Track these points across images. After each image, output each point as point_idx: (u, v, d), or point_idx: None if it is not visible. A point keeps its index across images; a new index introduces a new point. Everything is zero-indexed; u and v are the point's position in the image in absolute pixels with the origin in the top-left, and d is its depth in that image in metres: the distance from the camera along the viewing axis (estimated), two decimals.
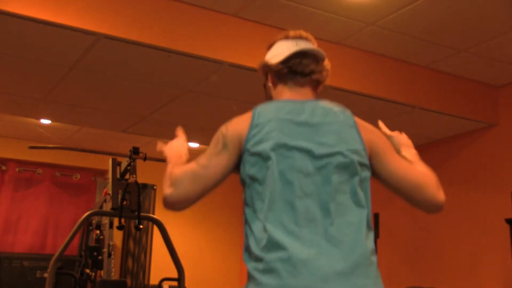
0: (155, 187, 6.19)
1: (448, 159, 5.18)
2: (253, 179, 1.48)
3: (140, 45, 3.46)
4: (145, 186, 5.71)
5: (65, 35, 3.35)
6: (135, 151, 3.91)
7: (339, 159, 1.49)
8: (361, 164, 1.52)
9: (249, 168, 1.49)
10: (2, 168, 6.72)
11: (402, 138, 1.79)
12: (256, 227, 1.45)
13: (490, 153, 4.81)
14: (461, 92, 4.63)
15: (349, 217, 1.45)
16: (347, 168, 1.49)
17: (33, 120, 5.69)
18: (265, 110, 1.56)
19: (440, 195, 1.58)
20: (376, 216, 4.90)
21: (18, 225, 6.67)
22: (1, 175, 6.73)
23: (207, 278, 7.09)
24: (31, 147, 4.79)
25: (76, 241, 5.01)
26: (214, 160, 1.51)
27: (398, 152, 1.70)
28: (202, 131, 5.31)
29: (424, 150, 5.45)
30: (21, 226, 6.68)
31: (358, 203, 1.48)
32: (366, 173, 1.54)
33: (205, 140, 6.06)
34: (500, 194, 4.56)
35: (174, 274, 3.92)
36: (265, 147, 1.48)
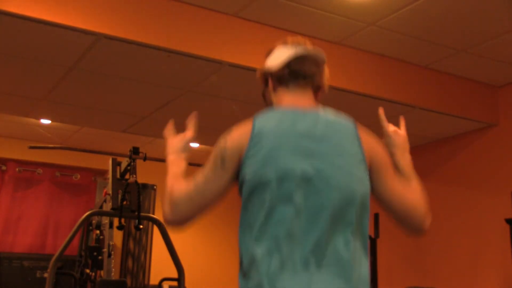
0: (155, 187, 6.18)
1: (448, 159, 5.18)
2: (250, 191, 1.47)
3: (140, 45, 3.46)
4: (145, 186, 5.70)
5: (65, 35, 3.35)
6: (135, 151, 3.91)
7: (340, 174, 1.47)
8: (361, 179, 1.51)
9: (247, 180, 1.47)
10: (2, 168, 6.72)
11: (399, 139, 1.75)
12: (247, 243, 1.44)
13: (490, 153, 4.81)
14: (461, 92, 4.63)
15: (342, 239, 1.43)
16: (347, 187, 1.47)
17: (33, 120, 5.69)
18: (265, 121, 1.53)
19: (426, 223, 1.59)
20: (376, 216, 4.90)
21: (18, 225, 6.67)
22: (1, 175, 6.73)
23: (207, 278, 7.09)
24: (31, 147, 4.79)
25: (76, 241, 5.01)
26: (211, 180, 1.50)
27: (392, 155, 1.68)
28: (202, 131, 5.30)
29: (424, 150, 5.47)
30: (21, 226, 6.68)
31: (350, 224, 1.46)
32: (366, 190, 1.52)
33: (205, 140, 6.06)
34: (500, 194, 4.56)
35: (174, 274, 3.92)
36: (264, 163, 1.45)
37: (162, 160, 1.71)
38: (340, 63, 4.09)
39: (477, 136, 4.93)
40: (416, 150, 5.53)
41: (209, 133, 5.76)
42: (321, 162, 1.47)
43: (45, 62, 3.83)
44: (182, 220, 1.53)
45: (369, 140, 1.57)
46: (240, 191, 1.51)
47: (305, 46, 1.65)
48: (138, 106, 4.69)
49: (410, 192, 1.60)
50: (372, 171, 1.55)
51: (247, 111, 5.00)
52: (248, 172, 1.47)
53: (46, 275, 3.99)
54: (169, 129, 1.80)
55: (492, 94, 4.79)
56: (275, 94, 1.66)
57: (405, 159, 1.70)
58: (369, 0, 3.49)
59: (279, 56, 1.65)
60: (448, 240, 5.03)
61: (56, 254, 3.64)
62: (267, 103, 1.71)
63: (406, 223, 1.58)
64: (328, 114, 1.58)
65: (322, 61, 1.66)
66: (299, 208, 1.42)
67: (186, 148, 1.75)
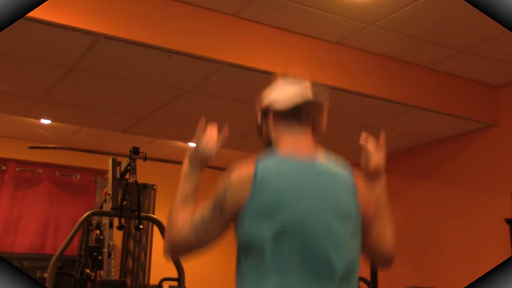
0: (155, 187, 6.18)
1: (448, 159, 5.18)
2: (249, 243, 1.50)
3: (140, 45, 3.46)
4: (145, 186, 5.70)
5: (65, 35, 3.35)
6: (135, 151, 3.92)
7: (340, 225, 1.53)
8: (356, 232, 1.59)
9: (246, 232, 1.51)
10: (2, 168, 6.73)
11: (378, 160, 1.77)
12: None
13: (490, 153, 4.81)
14: (461, 92, 4.64)
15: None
16: (349, 232, 1.55)
17: (33, 120, 5.69)
18: (266, 170, 1.53)
19: (394, 257, 1.79)
20: None
21: (18, 225, 6.67)
22: (1, 175, 6.73)
23: (207, 278, 7.09)
24: (31, 147, 4.79)
25: (76, 241, 5.01)
26: (209, 224, 1.56)
27: (373, 188, 1.74)
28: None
29: (424, 150, 5.47)
30: (21, 226, 6.68)
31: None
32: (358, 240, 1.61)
33: None
34: (500, 194, 4.56)
35: (174, 274, 3.93)
36: (262, 219, 1.48)
37: (162, 160, 1.72)
38: (340, 63, 4.09)
39: (477, 136, 4.93)
40: (416, 150, 5.54)
41: None
42: (320, 216, 1.51)
43: (45, 62, 3.83)
44: (179, 257, 1.70)
45: (363, 192, 1.63)
46: (237, 230, 1.54)
47: (307, 88, 1.67)
48: (138, 106, 4.69)
49: (387, 236, 1.75)
50: (362, 224, 1.62)
51: (247, 111, 5.00)
52: (247, 226, 1.50)
53: (46, 275, 3.99)
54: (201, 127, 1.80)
55: (492, 94, 4.79)
56: (275, 129, 1.67)
57: (384, 192, 1.77)
58: (369, 0, 3.49)
59: (283, 93, 1.67)
60: (448, 240, 5.03)
61: (56, 254, 3.64)
62: (262, 138, 1.72)
63: (380, 261, 1.78)
64: (327, 164, 1.61)
65: (324, 104, 1.70)
66: (302, 260, 1.47)
67: (206, 156, 1.76)
